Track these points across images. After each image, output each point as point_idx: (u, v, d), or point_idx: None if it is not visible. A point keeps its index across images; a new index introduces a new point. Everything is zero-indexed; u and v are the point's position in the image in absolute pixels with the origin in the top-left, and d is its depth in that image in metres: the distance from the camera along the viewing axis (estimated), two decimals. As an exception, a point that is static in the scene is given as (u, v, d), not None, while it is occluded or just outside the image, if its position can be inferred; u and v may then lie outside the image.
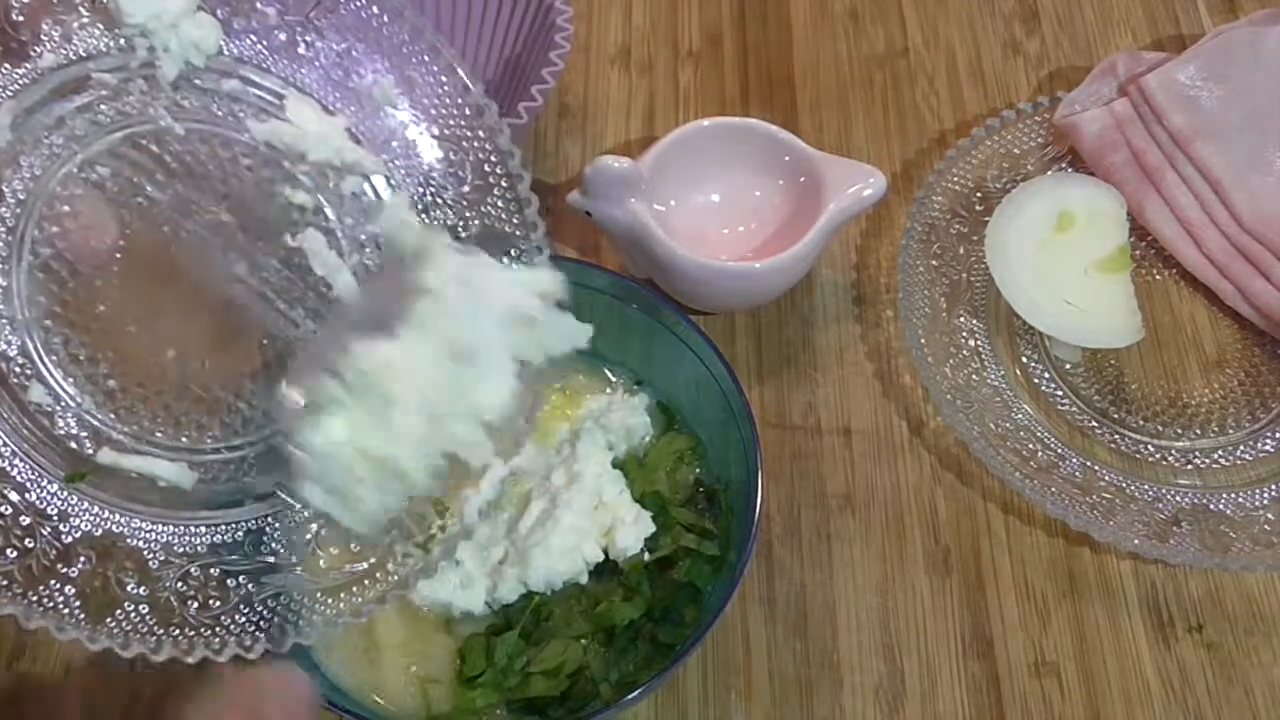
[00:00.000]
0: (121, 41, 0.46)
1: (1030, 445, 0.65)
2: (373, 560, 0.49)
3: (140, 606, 0.45)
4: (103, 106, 0.46)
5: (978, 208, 0.72)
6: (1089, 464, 0.65)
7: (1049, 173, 0.74)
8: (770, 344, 0.70)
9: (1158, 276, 0.73)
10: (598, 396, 0.62)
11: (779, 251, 0.65)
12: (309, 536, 0.49)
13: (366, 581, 0.49)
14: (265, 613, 0.47)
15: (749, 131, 0.69)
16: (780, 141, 0.69)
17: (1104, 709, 0.59)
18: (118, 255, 0.45)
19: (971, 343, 0.68)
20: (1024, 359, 0.69)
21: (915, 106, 0.79)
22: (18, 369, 0.44)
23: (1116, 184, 0.72)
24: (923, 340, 0.66)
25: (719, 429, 0.60)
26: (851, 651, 0.60)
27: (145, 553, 0.46)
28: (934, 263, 0.70)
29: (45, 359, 0.45)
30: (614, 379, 0.64)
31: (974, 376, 0.67)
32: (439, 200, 0.51)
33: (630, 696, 0.51)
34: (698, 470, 0.61)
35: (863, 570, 0.63)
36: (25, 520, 0.44)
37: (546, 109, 0.77)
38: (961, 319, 0.69)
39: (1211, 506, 0.63)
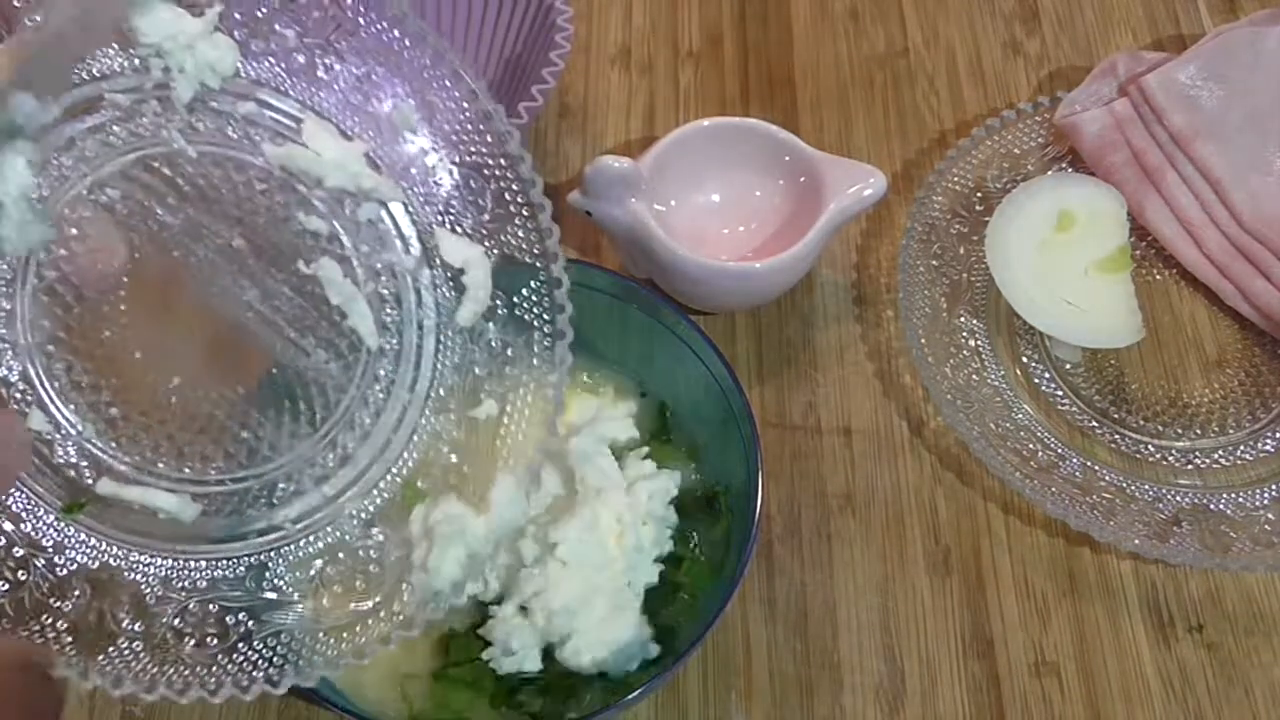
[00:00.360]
0: (136, 62, 0.45)
1: (1030, 445, 0.65)
2: (378, 599, 0.48)
3: (135, 643, 0.44)
4: (115, 128, 0.45)
5: (978, 208, 0.72)
6: (1089, 464, 0.64)
7: (1049, 173, 0.74)
8: (770, 344, 0.70)
9: (1158, 276, 0.73)
10: (585, 403, 0.62)
11: (779, 251, 0.65)
12: (313, 573, 0.48)
13: (370, 620, 0.48)
14: (265, 651, 0.46)
15: (749, 131, 0.69)
16: (780, 141, 0.69)
17: (1104, 709, 0.59)
18: (125, 279, 0.45)
19: (972, 343, 0.68)
20: (1024, 359, 0.69)
21: (915, 106, 0.79)
22: (18, 395, 0.44)
23: (1116, 184, 0.72)
24: (923, 340, 0.66)
25: (719, 429, 0.60)
26: (852, 651, 0.60)
27: (143, 587, 0.45)
28: (934, 263, 0.70)
29: (47, 385, 0.44)
30: (601, 386, 0.63)
31: (974, 376, 0.67)
32: (458, 229, 0.50)
33: (630, 696, 0.51)
34: (697, 472, 0.61)
35: (863, 570, 0.63)
36: (19, 552, 0.43)
37: (547, 109, 0.77)
38: (962, 319, 0.69)
39: (1212, 506, 0.63)
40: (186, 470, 0.46)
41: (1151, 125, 0.73)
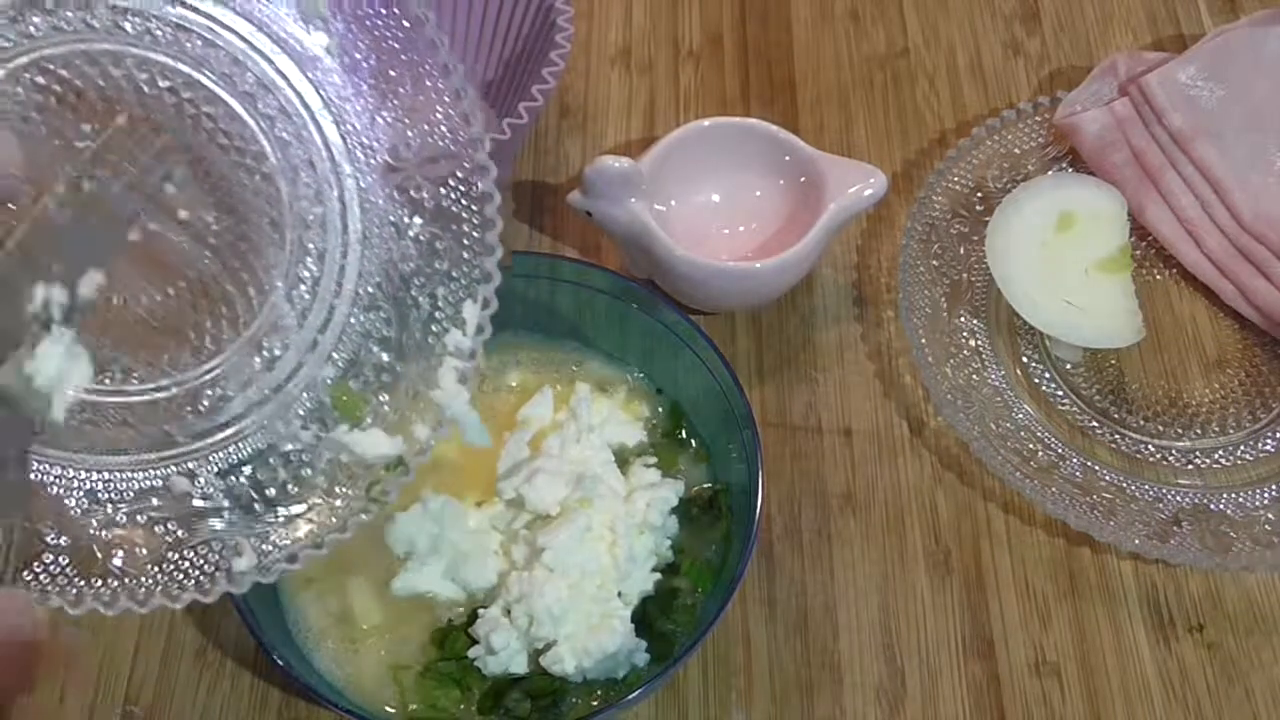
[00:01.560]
0: None
1: (1030, 445, 0.65)
2: (311, 503, 0.47)
3: (60, 557, 0.42)
4: (8, 30, 0.42)
5: (978, 208, 0.72)
6: (1089, 464, 0.64)
7: (1049, 173, 0.74)
8: (770, 344, 0.70)
9: (1158, 276, 0.73)
10: (597, 405, 0.61)
11: (779, 251, 0.65)
12: (243, 479, 0.47)
13: (302, 524, 0.47)
14: (196, 559, 0.45)
15: (749, 131, 0.69)
16: (781, 141, 0.69)
17: (1104, 709, 0.59)
18: (27, 188, 0.43)
19: (972, 343, 0.68)
20: (1024, 359, 0.69)
21: (915, 106, 0.79)
22: None
23: (1117, 184, 0.72)
24: (923, 340, 0.66)
25: (720, 429, 0.60)
26: (852, 651, 0.60)
27: (67, 500, 0.44)
28: (934, 263, 0.70)
29: None
30: (612, 387, 0.63)
31: (974, 376, 0.67)
32: (379, 118, 0.48)
33: (630, 696, 0.51)
34: (709, 473, 0.61)
35: (863, 570, 0.63)
36: None
37: (547, 109, 0.77)
38: (962, 319, 0.69)
39: (1212, 506, 0.63)
40: (106, 383, 0.45)
41: (1152, 125, 0.73)
